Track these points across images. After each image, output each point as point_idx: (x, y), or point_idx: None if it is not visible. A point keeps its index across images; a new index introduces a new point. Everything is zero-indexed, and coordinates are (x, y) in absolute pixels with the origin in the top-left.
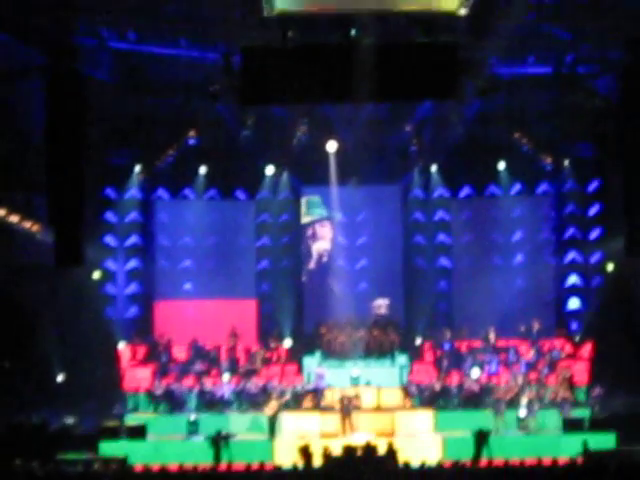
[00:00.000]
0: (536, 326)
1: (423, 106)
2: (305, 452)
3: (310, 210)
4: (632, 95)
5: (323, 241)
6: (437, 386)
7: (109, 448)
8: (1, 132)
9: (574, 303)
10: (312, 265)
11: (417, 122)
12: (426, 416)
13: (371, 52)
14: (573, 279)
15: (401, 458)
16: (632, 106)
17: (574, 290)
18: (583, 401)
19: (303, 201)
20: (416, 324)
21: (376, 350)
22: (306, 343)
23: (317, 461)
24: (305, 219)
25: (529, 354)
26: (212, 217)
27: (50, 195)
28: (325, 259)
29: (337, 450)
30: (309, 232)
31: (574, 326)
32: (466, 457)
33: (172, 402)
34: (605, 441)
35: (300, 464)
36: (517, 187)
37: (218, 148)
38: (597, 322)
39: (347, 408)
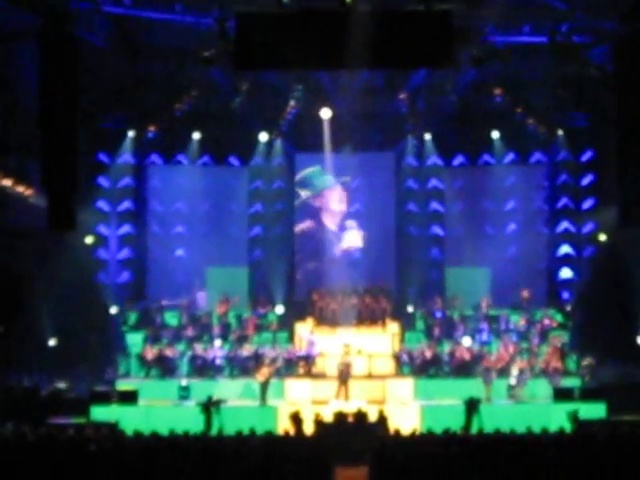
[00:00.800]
0: (528, 295)
1: (417, 74)
2: (295, 418)
3: (312, 183)
4: (626, 65)
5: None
6: (428, 354)
7: (100, 413)
8: None
9: (566, 273)
10: (305, 232)
11: (411, 90)
12: (417, 384)
13: (366, 19)
14: (565, 249)
15: (392, 425)
16: (626, 76)
17: (566, 260)
18: (573, 371)
19: (303, 174)
20: (408, 292)
21: (368, 317)
22: (298, 310)
23: (308, 427)
24: (306, 192)
25: (521, 323)
26: (205, 183)
27: (43, 159)
28: (319, 227)
29: (328, 417)
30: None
31: (566, 296)
32: (456, 425)
33: (163, 367)
34: (595, 410)
35: (291, 430)
36: (510, 156)
37: (212, 114)
38: (589, 292)
39: (344, 375)
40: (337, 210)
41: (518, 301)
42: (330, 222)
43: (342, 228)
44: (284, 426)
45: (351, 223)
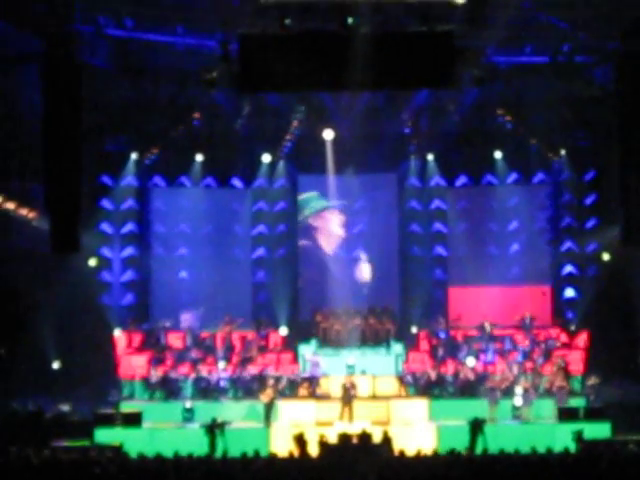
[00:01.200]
0: (526, 317)
1: (420, 95)
2: (299, 440)
3: (308, 205)
4: (629, 84)
5: (321, 233)
6: (432, 375)
7: (104, 435)
8: None
9: (570, 292)
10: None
11: (414, 111)
12: (421, 405)
13: (368, 40)
14: (569, 268)
15: (396, 446)
16: (629, 95)
17: (570, 279)
18: (578, 390)
19: (301, 198)
20: (412, 312)
21: (372, 338)
22: (302, 331)
23: (312, 449)
24: (304, 214)
25: (525, 343)
26: (208, 205)
27: (46, 182)
28: (323, 249)
29: (333, 438)
30: (307, 226)
31: (569, 315)
32: (461, 446)
33: (168, 389)
34: (600, 430)
35: (295, 452)
36: (513, 176)
37: (215, 136)
38: (592, 311)
39: (348, 396)
40: (334, 233)
41: (522, 321)
42: (326, 244)
43: (339, 253)
44: (279, 447)
45: (362, 255)
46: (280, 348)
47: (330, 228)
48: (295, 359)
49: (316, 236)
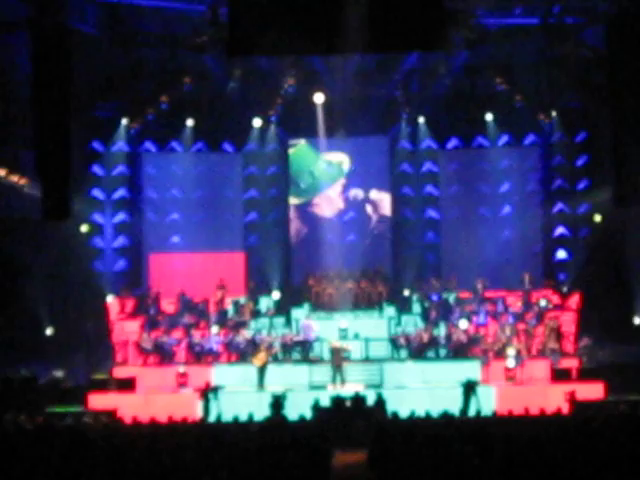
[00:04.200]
0: (525, 277)
1: (410, 57)
2: (275, 404)
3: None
4: (619, 45)
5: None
6: (425, 337)
7: (98, 401)
8: None
9: (561, 254)
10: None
11: (404, 74)
12: (414, 367)
13: (359, 3)
14: (560, 230)
15: (389, 409)
16: (619, 56)
17: (561, 241)
18: (571, 352)
19: (291, 152)
20: (404, 276)
21: (364, 302)
22: (294, 295)
23: (289, 412)
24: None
25: (517, 305)
26: (199, 170)
27: (37, 149)
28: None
29: (326, 402)
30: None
31: (561, 277)
32: (454, 408)
33: (161, 354)
34: (592, 391)
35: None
36: (504, 138)
37: (205, 101)
38: (584, 273)
39: (338, 360)
40: (336, 198)
41: (514, 283)
42: (327, 209)
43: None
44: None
45: (375, 193)
46: (273, 312)
47: (333, 198)
48: (288, 323)
49: (315, 207)
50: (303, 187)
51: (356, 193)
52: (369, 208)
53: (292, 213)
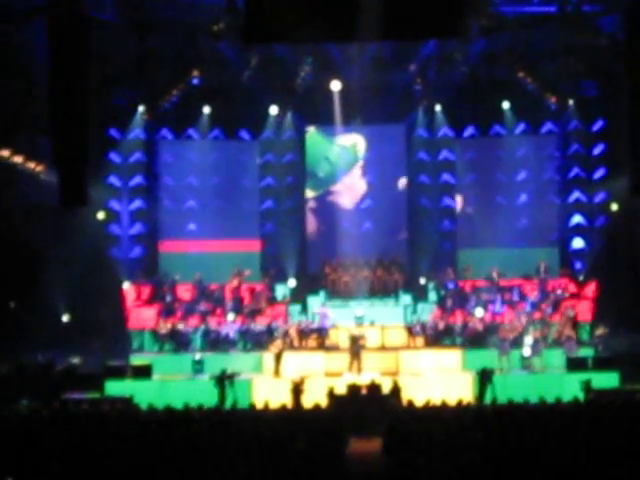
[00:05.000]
0: (540, 266)
1: (427, 45)
2: (295, 390)
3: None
4: (636, 33)
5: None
6: (441, 325)
7: (115, 387)
8: (5, 73)
9: (578, 243)
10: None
11: (421, 61)
12: (430, 355)
13: None
14: (577, 219)
15: (405, 397)
16: (637, 44)
17: (578, 230)
18: (587, 340)
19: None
20: (420, 264)
21: (380, 290)
22: (310, 283)
23: (307, 399)
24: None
25: (533, 293)
26: (216, 157)
27: (54, 136)
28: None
29: (342, 389)
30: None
31: (578, 265)
32: (470, 396)
33: (177, 342)
34: (608, 380)
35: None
36: (521, 127)
37: (222, 88)
38: (601, 262)
39: (356, 347)
40: (358, 187)
41: (530, 271)
42: (347, 200)
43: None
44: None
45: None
46: (289, 300)
47: (354, 183)
48: (304, 311)
49: (336, 196)
50: (321, 175)
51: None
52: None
53: (309, 207)
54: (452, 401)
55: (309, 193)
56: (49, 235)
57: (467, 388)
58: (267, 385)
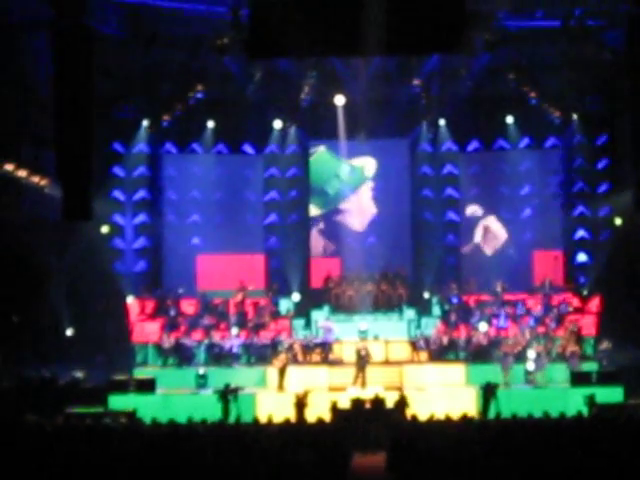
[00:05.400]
0: (544, 280)
1: (431, 60)
2: (298, 404)
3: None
4: (638, 48)
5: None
6: (445, 340)
7: (118, 402)
8: (9, 86)
9: (582, 257)
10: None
11: (425, 76)
12: (434, 370)
13: (379, 5)
14: (581, 233)
15: (409, 411)
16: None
17: (582, 244)
18: (591, 355)
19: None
20: (424, 278)
21: (384, 304)
22: (314, 297)
23: (311, 413)
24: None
25: (537, 308)
26: (220, 171)
27: (58, 150)
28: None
29: (345, 403)
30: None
31: (582, 280)
32: (474, 410)
33: (181, 356)
34: (612, 394)
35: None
36: (525, 141)
37: (226, 102)
38: (605, 276)
39: (362, 361)
40: (367, 209)
41: (534, 286)
42: (357, 222)
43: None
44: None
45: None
46: (293, 314)
47: (364, 204)
48: (308, 325)
49: (346, 216)
50: (331, 193)
51: (475, 210)
52: (480, 231)
53: (318, 228)
54: (456, 416)
55: (314, 210)
56: (53, 249)
57: (471, 403)
58: (271, 399)
